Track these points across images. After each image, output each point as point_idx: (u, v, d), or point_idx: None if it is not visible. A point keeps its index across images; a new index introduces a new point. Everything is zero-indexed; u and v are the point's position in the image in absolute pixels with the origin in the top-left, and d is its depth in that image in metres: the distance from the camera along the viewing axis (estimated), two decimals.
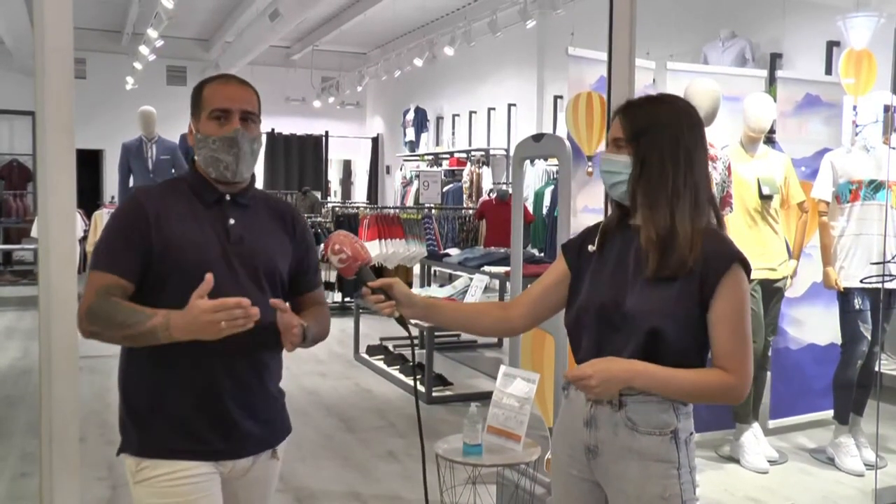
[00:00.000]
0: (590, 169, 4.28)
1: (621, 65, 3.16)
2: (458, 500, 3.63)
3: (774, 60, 7.17)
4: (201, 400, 1.95)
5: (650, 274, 1.84)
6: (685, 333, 1.84)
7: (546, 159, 9.70)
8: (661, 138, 1.87)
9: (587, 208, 4.20)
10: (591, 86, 4.30)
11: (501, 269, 6.46)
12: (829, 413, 4.92)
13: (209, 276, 1.79)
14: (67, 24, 2.47)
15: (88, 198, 13.80)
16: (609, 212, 2.07)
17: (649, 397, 1.86)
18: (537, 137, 3.59)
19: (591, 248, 1.99)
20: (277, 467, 2.16)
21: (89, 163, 14.92)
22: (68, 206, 2.52)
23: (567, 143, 3.46)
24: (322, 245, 2.07)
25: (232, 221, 1.99)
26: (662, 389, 1.84)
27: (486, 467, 3.43)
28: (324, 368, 7.02)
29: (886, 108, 4.64)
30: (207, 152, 1.98)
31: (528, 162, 10.65)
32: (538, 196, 9.64)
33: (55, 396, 2.51)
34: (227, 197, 2.02)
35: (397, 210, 9.52)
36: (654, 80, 4.69)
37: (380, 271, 9.33)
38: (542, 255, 8.15)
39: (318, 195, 14.57)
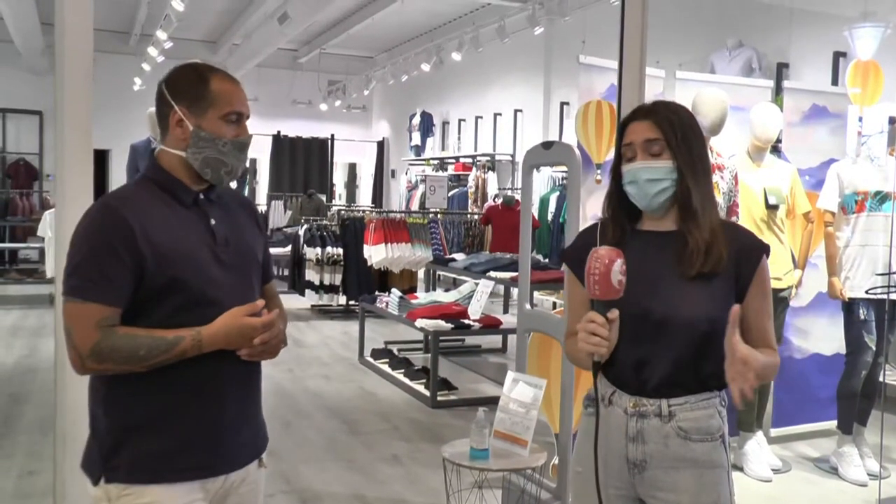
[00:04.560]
0: (598, 177, 4.31)
1: (632, 74, 3.19)
2: None
3: (781, 70, 7.19)
4: (203, 409, 1.85)
5: (692, 274, 1.85)
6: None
7: (552, 166, 9.71)
8: (697, 141, 1.94)
9: (596, 216, 4.20)
10: (602, 94, 4.32)
11: (507, 275, 6.48)
12: (833, 423, 4.94)
13: (261, 302, 1.86)
14: (87, 25, 2.51)
15: (95, 197, 13.83)
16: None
17: (696, 404, 1.88)
18: (547, 145, 3.61)
19: None
20: (264, 477, 2.07)
21: (96, 163, 14.94)
22: (84, 204, 2.54)
23: (577, 151, 3.48)
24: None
25: (213, 222, 1.90)
26: (766, 375, 1.88)
27: (493, 472, 3.45)
28: (328, 371, 7.04)
29: (892, 120, 4.66)
30: (212, 153, 1.85)
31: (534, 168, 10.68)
32: (543, 202, 9.66)
33: (68, 394, 2.54)
34: (202, 196, 1.92)
35: (403, 214, 9.55)
36: (662, 90, 4.71)
37: (385, 275, 9.36)
38: (547, 261, 8.17)
39: (324, 198, 14.61)
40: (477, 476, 3.51)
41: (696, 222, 1.87)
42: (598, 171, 4.32)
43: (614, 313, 1.83)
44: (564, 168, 9.64)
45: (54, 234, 2.53)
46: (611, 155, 4.34)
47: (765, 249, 1.92)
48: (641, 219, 1.99)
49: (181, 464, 1.83)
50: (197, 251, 1.84)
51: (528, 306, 3.96)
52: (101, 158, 15.18)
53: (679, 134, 1.90)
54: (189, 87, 1.87)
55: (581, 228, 3.22)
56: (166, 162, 1.89)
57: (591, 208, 4.27)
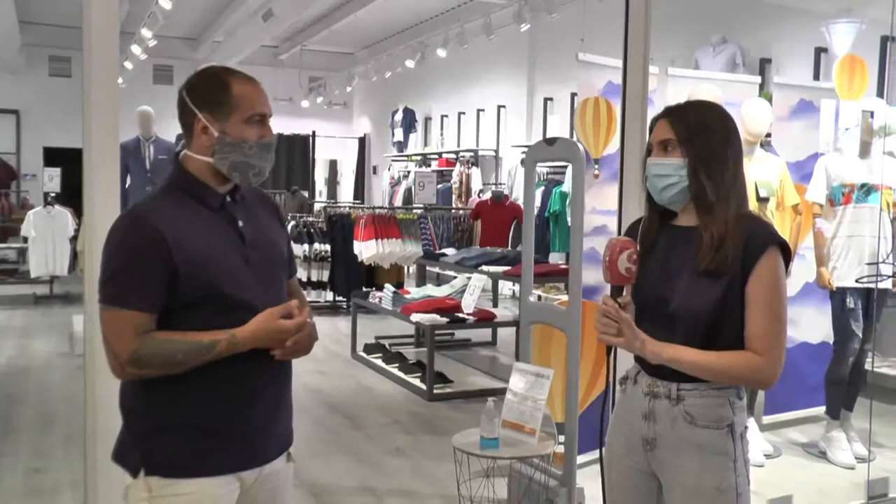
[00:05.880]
0: (597, 171, 4.41)
1: (636, 72, 3.29)
2: (472, 493, 3.74)
3: (763, 66, 7.34)
4: (240, 405, 1.90)
5: (702, 269, 1.92)
6: (739, 326, 1.91)
7: (557, 162, 9.75)
8: (715, 139, 1.98)
9: (595, 210, 4.32)
10: (600, 91, 4.41)
11: (499, 269, 6.57)
12: (820, 409, 5.09)
13: (294, 302, 1.90)
14: (114, 25, 2.56)
15: (76, 196, 13.75)
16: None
17: (706, 392, 1.95)
18: (550, 141, 3.67)
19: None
20: (292, 471, 2.12)
21: (74, 162, 14.83)
22: (113, 207, 2.59)
23: (581, 146, 3.57)
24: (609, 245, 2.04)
25: (241, 224, 1.93)
26: (688, 368, 1.92)
27: (504, 460, 3.54)
28: (323, 367, 7.10)
29: (871, 114, 4.79)
30: (239, 157, 1.88)
31: (519, 163, 10.79)
32: None
33: (98, 390, 2.60)
34: (228, 198, 1.94)
35: (393, 210, 9.63)
36: (656, 86, 4.81)
37: (373, 271, 9.43)
38: (537, 254, 8.26)
39: (306, 195, 14.63)
40: (487, 465, 3.61)
41: (713, 216, 1.94)
42: (597, 167, 4.43)
43: (626, 298, 2.00)
44: (550, 163, 9.74)
45: (84, 235, 2.57)
46: (608, 150, 4.44)
47: (773, 242, 1.90)
48: (678, 215, 2.06)
49: (219, 458, 1.88)
50: (228, 257, 1.88)
51: (531, 298, 4.05)
52: (80, 157, 15.04)
53: (692, 131, 1.97)
54: (210, 93, 1.88)
55: (579, 223, 3.35)
56: (193, 167, 1.92)
57: (588, 202, 4.36)
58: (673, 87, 4.80)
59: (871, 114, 4.68)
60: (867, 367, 4.86)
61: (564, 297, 5.75)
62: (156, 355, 1.78)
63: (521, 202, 9.73)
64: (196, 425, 1.86)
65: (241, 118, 1.87)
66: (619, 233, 3.41)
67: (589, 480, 3.91)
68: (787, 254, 1.94)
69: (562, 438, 3.67)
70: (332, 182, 18.03)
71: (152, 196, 1.93)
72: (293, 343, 1.88)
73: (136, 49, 11.44)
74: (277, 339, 1.86)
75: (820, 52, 6.84)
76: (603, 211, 4.37)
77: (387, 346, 7.54)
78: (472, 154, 12.33)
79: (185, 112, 1.90)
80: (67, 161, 12.23)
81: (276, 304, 1.89)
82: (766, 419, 5.15)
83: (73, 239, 10.03)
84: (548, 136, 9.91)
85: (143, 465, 1.86)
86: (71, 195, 11.59)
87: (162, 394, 1.85)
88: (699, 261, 1.93)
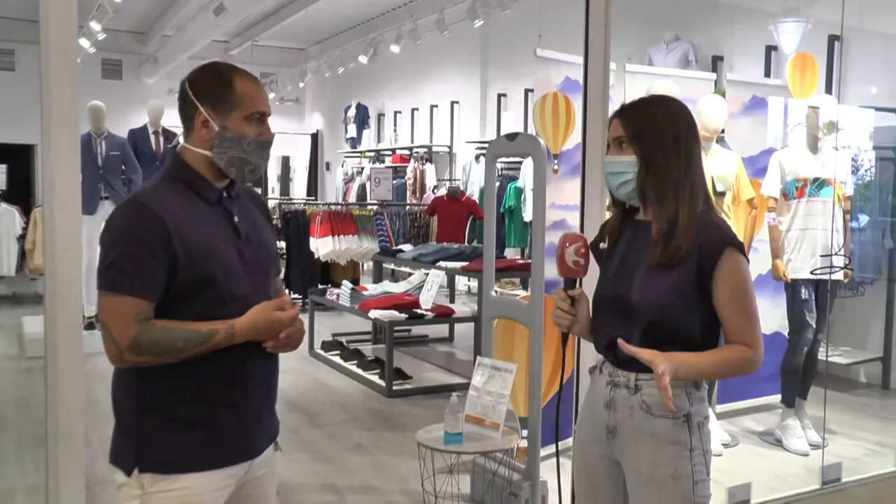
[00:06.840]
0: (556, 167, 4.44)
1: (596, 68, 3.31)
2: (437, 489, 3.74)
3: (716, 63, 7.46)
4: (232, 400, 1.91)
5: (653, 262, 1.96)
6: (687, 319, 1.94)
7: (518, 156, 9.77)
8: (663, 135, 1.99)
9: (554, 205, 4.35)
10: (557, 86, 4.44)
11: (457, 264, 6.57)
12: (774, 398, 5.21)
13: (288, 298, 1.95)
14: (72, 21, 2.50)
15: (20, 194, 13.42)
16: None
17: None
18: (511, 136, 3.69)
19: (602, 245, 2.13)
20: (279, 459, 2.15)
21: (22, 158, 14.47)
22: (73, 205, 2.53)
23: (542, 141, 3.59)
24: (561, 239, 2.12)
25: (237, 219, 1.96)
26: (697, 373, 1.95)
27: (468, 455, 3.55)
28: (281, 365, 6.96)
29: (817, 111, 4.88)
30: (237, 152, 1.90)
31: (473, 159, 10.81)
32: (484, 192, 9.78)
33: (61, 394, 2.54)
34: (224, 193, 1.97)
35: (349, 206, 9.58)
36: (613, 82, 4.86)
37: (328, 268, 9.38)
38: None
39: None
40: (451, 460, 3.61)
41: (655, 212, 1.99)
42: (556, 162, 4.46)
43: (577, 291, 2.10)
44: (505, 159, 9.75)
45: (45, 235, 2.50)
46: (567, 146, 4.47)
47: (729, 244, 1.93)
48: (641, 210, 2.09)
49: (213, 453, 1.89)
50: (224, 249, 1.90)
51: (492, 293, 4.06)
52: (25, 153, 14.70)
53: (642, 128, 2.00)
54: (213, 88, 1.91)
55: (541, 217, 3.36)
56: (191, 159, 1.93)
57: (548, 197, 4.39)
58: (630, 83, 4.85)
59: (818, 109, 4.79)
60: (820, 356, 4.98)
61: (520, 293, 5.79)
62: (155, 342, 1.78)
63: (476, 198, 9.75)
64: (187, 418, 1.87)
65: (242, 115, 1.90)
66: (582, 228, 3.44)
67: (552, 473, 3.92)
68: (743, 252, 1.97)
69: (525, 433, 3.69)
70: (285, 179, 17.88)
71: (152, 184, 1.93)
72: (286, 336, 1.91)
73: (84, 42, 11.18)
74: (272, 330, 1.89)
75: (770, 49, 6.97)
76: (562, 206, 4.40)
77: (344, 343, 7.50)
78: (426, 150, 12.33)
79: (186, 105, 1.92)
80: (13, 157, 11.93)
81: (266, 299, 1.92)
82: (720, 408, 5.25)
83: (21, 238, 9.79)
84: (502, 131, 9.95)
85: (136, 462, 1.85)
86: (17, 193, 11.31)
87: (154, 387, 1.86)
88: (651, 254, 1.97)
